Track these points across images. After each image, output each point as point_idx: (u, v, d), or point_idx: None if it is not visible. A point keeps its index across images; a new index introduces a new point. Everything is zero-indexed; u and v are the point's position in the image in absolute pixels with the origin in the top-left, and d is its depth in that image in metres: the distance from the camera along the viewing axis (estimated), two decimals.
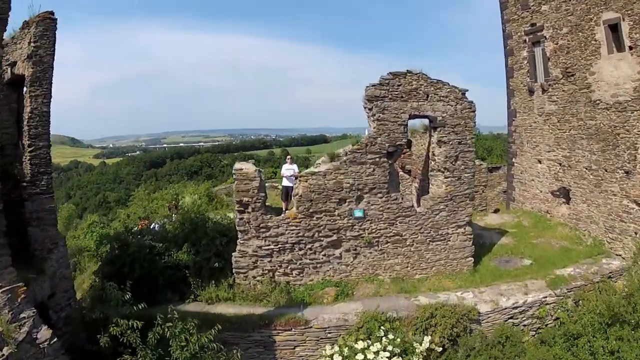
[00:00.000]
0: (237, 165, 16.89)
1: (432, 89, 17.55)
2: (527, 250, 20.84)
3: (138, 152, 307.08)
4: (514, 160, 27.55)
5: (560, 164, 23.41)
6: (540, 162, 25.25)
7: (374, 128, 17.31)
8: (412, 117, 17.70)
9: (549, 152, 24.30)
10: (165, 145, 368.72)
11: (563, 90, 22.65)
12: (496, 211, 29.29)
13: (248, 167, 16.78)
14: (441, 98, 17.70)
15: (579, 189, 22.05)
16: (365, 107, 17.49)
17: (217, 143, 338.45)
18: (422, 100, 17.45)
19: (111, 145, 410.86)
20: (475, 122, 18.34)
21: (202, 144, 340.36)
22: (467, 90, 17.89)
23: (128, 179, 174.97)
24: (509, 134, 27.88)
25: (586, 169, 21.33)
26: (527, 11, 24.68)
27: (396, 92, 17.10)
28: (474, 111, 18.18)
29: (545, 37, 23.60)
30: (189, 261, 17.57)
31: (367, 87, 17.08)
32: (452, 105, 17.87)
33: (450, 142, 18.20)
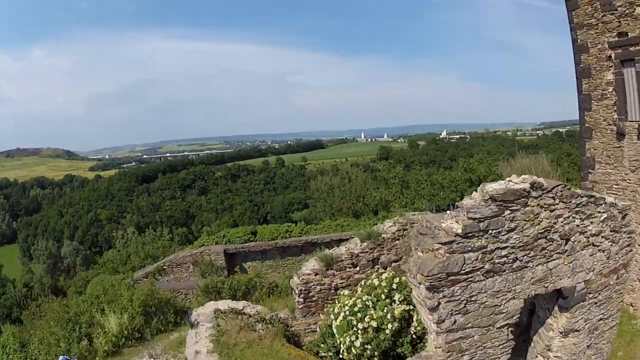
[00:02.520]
0: None
1: (578, 220, 7.77)
2: None
3: (134, 164, 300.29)
4: None
5: None
6: None
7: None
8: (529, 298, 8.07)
9: None
10: (161, 156, 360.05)
11: None
12: None
13: None
14: (590, 239, 8.04)
15: None
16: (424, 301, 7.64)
17: (212, 152, 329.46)
18: (556, 255, 7.71)
19: (107, 157, 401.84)
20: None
21: (205, 152, 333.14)
22: (629, 208, 8.45)
23: (120, 195, 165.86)
24: None
25: None
26: (612, 14, 15.74)
27: (503, 251, 7.18)
28: (631, 250, 8.48)
29: None
30: None
31: (417, 244, 8.46)
32: (604, 251, 8.30)
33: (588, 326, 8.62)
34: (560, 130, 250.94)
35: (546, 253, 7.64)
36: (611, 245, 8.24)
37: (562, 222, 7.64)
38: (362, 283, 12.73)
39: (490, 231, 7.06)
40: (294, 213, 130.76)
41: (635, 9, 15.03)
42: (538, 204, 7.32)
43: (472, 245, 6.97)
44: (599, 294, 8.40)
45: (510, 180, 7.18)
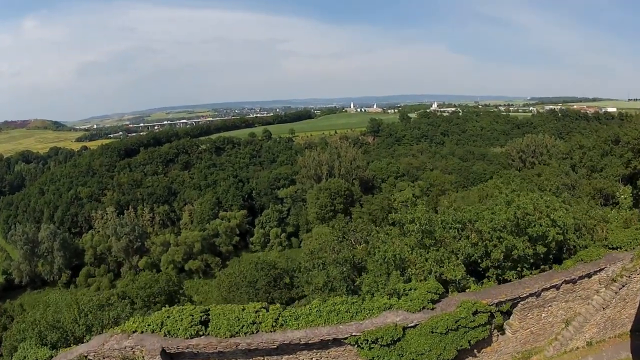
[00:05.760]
0: None
1: None
2: None
3: (120, 133, 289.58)
4: None
5: None
6: None
7: None
8: None
9: None
10: (149, 125, 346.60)
11: None
12: None
13: None
14: None
15: None
16: None
17: (199, 121, 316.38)
18: None
19: (95, 127, 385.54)
20: None
21: (193, 120, 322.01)
22: None
23: (101, 170, 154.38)
24: None
25: None
26: None
27: None
28: None
29: None
30: None
31: None
32: None
33: None
34: (554, 107, 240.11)
35: None
36: None
37: None
38: None
39: None
40: (280, 190, 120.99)
41: None
42: None
43: None
44: None
45: None
